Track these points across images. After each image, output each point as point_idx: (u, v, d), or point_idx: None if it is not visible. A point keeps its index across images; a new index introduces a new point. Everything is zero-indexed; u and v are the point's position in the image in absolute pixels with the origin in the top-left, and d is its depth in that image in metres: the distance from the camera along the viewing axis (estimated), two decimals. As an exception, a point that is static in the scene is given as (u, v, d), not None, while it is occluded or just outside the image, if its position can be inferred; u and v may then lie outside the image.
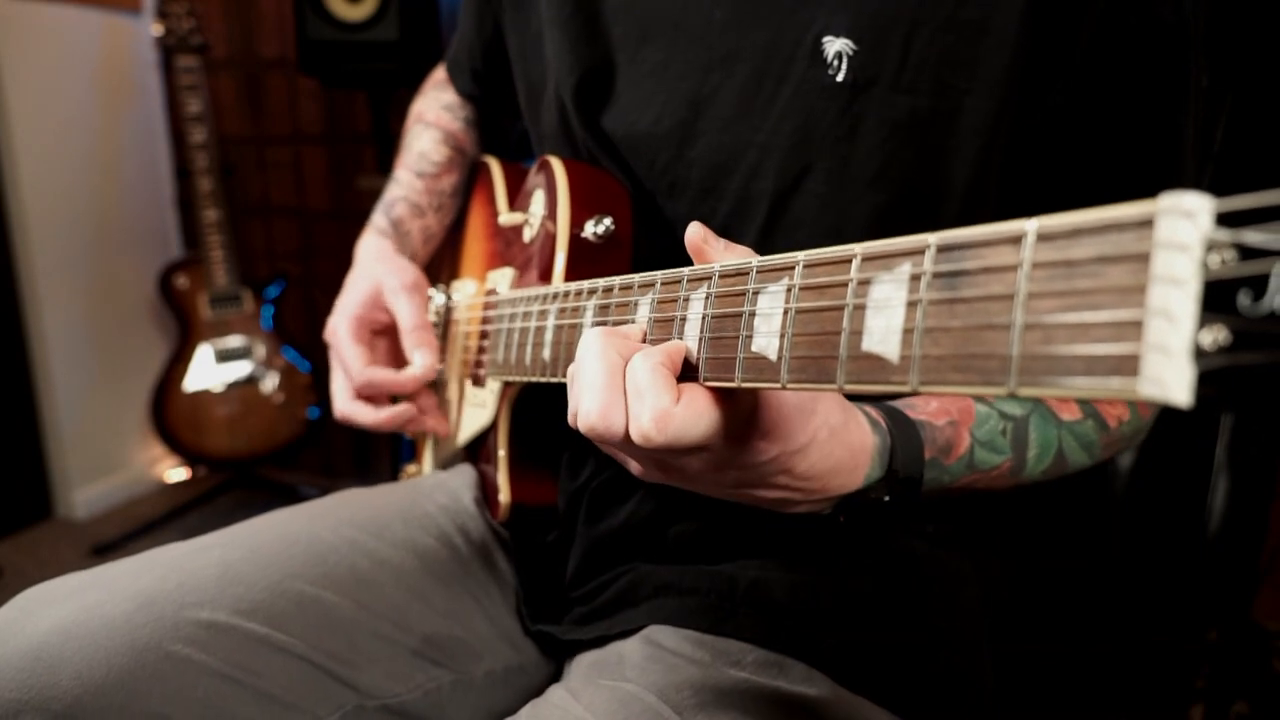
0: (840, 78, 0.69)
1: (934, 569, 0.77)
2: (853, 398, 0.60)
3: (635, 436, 0.48)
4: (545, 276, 0.81)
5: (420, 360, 0.93)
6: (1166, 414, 0.79)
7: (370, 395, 0.96)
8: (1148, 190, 0.69)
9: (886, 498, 0.60)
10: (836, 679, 0.71)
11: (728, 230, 0.75)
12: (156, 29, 2.44)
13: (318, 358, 2.67)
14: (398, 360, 0.99)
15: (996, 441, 0.66)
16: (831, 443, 0.55)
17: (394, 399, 0.99)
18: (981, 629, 0.78)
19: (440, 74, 1.18)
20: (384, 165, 2.29)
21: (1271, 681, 1.43)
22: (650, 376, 0.48)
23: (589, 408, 0.49)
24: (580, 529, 0.85)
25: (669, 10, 0.79)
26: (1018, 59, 0.65)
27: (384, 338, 1.00)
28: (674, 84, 0.78)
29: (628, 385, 0.49)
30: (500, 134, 1.19)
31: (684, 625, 0.74)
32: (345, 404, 0.96)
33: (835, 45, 0.69)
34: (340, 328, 0.96)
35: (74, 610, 0.71)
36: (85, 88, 2.63)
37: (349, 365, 0.94)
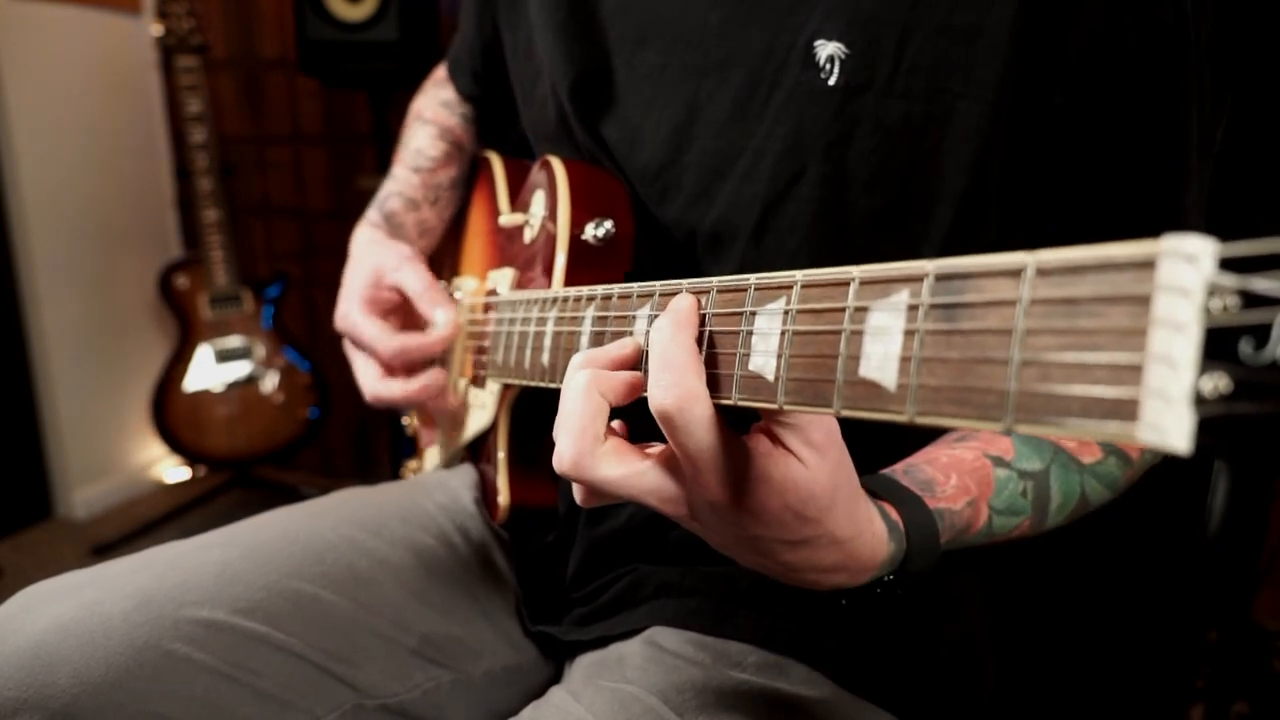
0: (833, 82, 0.68)
1: (935, 571, 0.77)
2: (855, 430, 0.56)
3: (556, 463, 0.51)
4: (546, 278, 0.81)
5: (442, 317, 0.90)
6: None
7: (398, 368, 0.93)
8: (1156, 194, 0.68)
9: (898, 590, 0.58)
10: (837, 681, 0.71)
11: (718, 235, 0.74)
12: (156, 29, 2.44)
13: (318, 358, 2.67)
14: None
15: (1016, 504, 0.63)
16: (831, 550, 0.51)
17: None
18: (983, 631, 0.78)
19: (440, 72, 1.18)
20: (384, 165, 2.27)
21: (1271, 681, 1.43)
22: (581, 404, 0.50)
23: (561, 448, 0.50)
24: (581, 530, 0.85)
25: (666, 13, 0.78)
26: (1011, 63, 0.64)
27: (394, 316, 0.97)
28: (670, 88, 0.78)
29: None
30: (500, 129, 1.18)
31: (685, 626, 0.74)
32: (375, 384, 0.92)
33: (828, 49, 0.68)
34: (352, 311, 0.93)
35: (72, 608, 0.71)
36: (85, 88, 2.62)
37: (374, 341, 0.90)
